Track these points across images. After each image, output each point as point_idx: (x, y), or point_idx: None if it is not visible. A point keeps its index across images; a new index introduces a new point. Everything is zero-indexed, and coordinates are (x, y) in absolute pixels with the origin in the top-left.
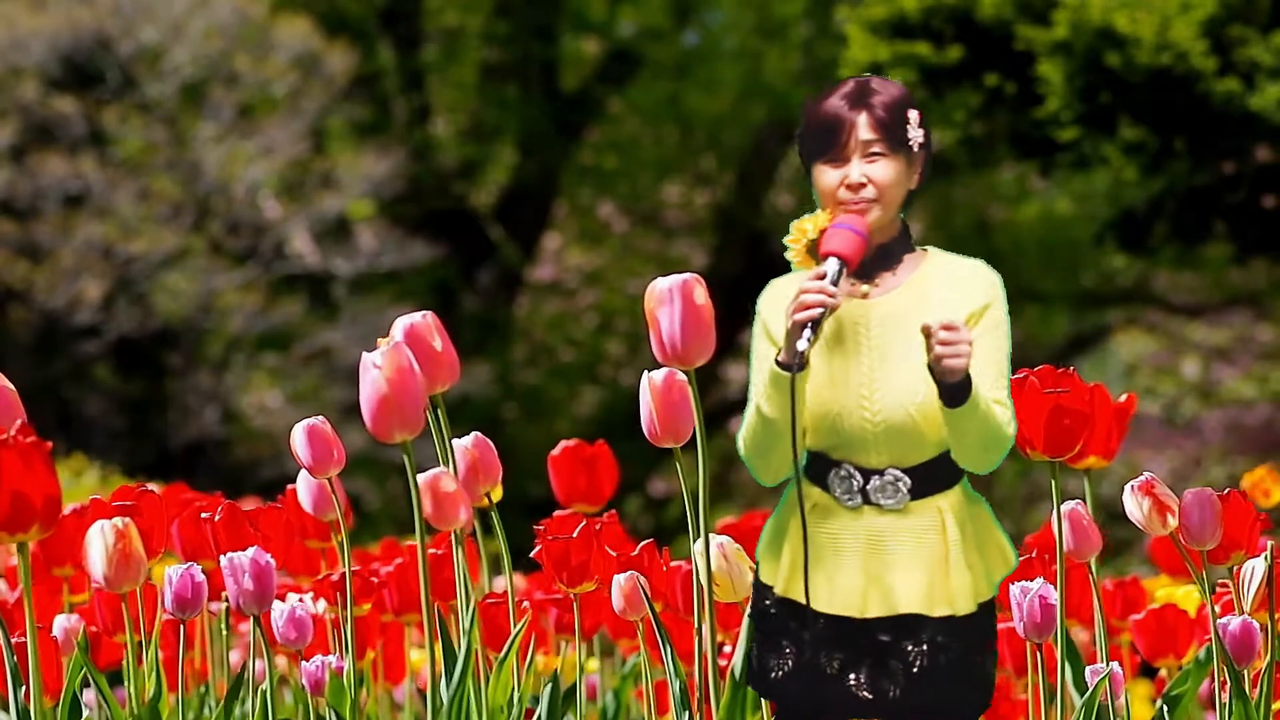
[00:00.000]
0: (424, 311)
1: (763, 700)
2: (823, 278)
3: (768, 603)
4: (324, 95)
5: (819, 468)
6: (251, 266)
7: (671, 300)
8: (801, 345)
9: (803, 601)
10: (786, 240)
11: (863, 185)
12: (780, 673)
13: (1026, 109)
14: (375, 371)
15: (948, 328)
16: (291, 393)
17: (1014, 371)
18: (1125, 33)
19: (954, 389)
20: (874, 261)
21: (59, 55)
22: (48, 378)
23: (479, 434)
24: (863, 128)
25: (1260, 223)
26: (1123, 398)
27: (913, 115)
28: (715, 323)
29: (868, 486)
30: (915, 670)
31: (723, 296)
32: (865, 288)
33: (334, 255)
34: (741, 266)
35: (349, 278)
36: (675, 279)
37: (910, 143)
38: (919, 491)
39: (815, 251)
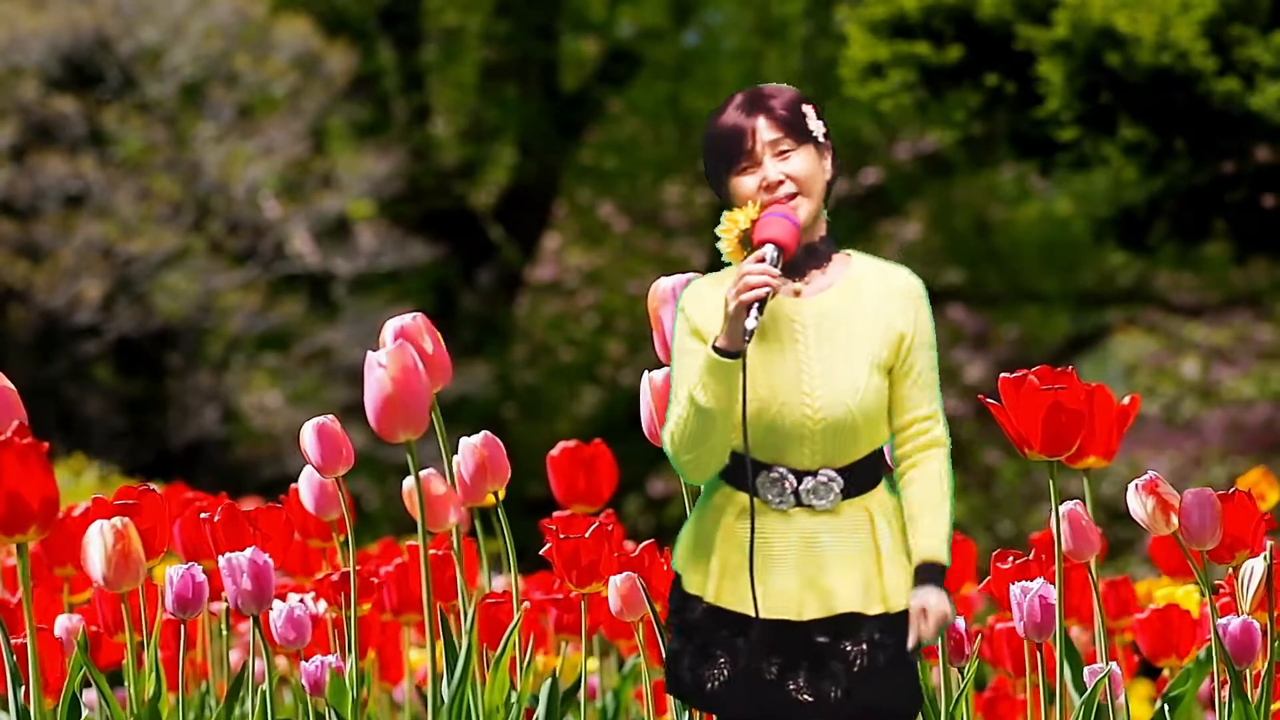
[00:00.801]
0: (414, 313)
1: None
2: (762, 260)
3: (696, 613)
4: (324, 95)
5: (742, 473)
6: (251, 266)
7: (675, 299)
8: (750, 324)
9: (736, 609)
10: (718, 231)
11: (780, 182)
12: (717, 683)
13: (1026, 109)
14: (380, 371)
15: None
16: (291, 393)
17: (1013, 371)
18: (1125, 32)
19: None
20: (804, 259)
21: (59, 55)
22: (47, 378)
23: (488, 433)
24: (764, 129)
25: (1260, 222)
26: (1126, 399)
27: (808, 109)
28: None
29: (800, 488)
30: (856, 670)
31: None
32: (797, 285)
33: (334, 255)
34: None
35: (349, 278)
36: (679, 278)
37: (814, 135)
38: (849, 491)
39: (748, 243)
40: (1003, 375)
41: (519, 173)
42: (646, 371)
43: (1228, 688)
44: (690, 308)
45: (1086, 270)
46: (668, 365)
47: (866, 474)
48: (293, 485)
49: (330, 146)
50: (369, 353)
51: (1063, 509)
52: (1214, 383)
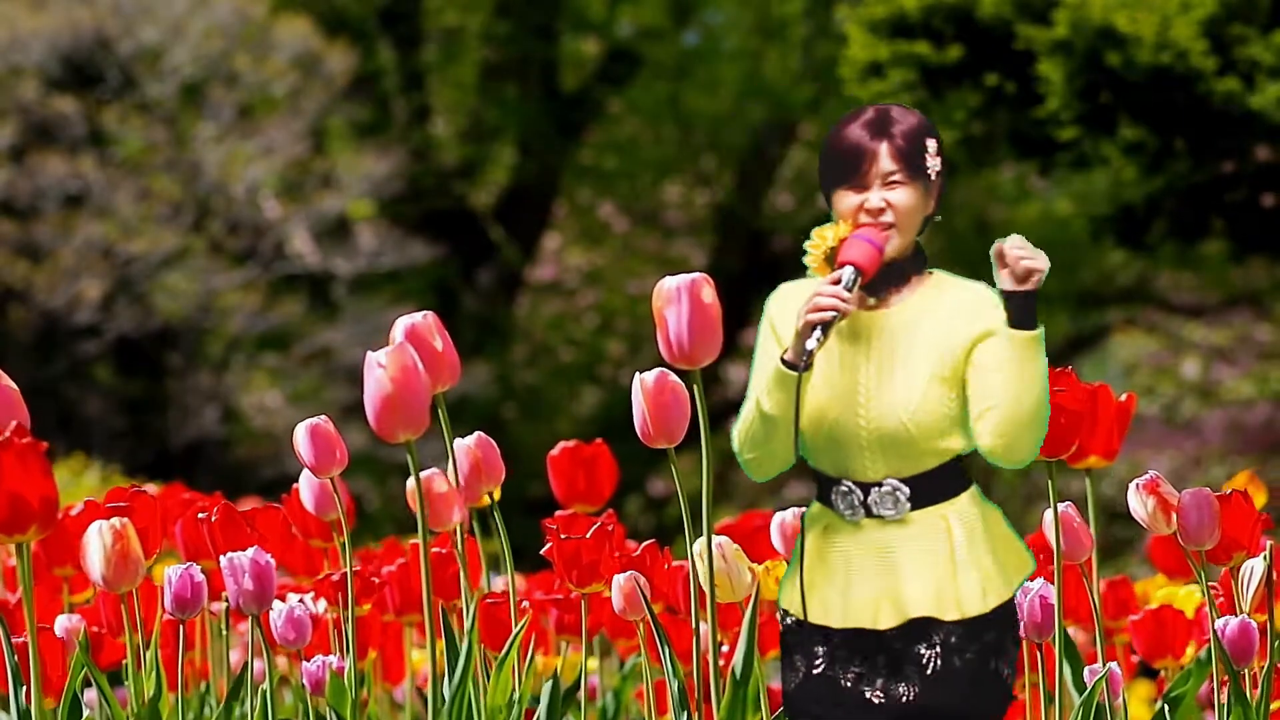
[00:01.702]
0: (425, 312)
1: (761, 700)
2: (838, 283)
3: (789, 622)
4: (324, 95)
5: (824, 488)
6: (251, 266)
7: (679, 299)
8: (810, 345)
9: (822, 623)
10: (806, 245)
11: (882, 210)
12: (792, 685)
13: (1026, 108)
14: (380, 371)
15: (1018, 245)
16: (291, 393)
17: None
18: (1125, 32)
19: (1026, 306)
20: (885, 278)
21: (59, 55)
22: (47, 377)
23: (482, 434)
24: (884, 158)
25: (1260, 222)
26: (1123, 397)
27: (930, 144)
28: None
29: (868, 500)
30: (929, 672)
31: (723, 296)
32: (873, 301)
33: (334, 255)
34: (741, 266)
35: (349, 278)
36: (683, 278)
37: (929, 171)
38: (919, 501)
39: (833, 260)
40: None
41: (519, 173)
42: (637, 374)
43: (1227, 688)
44: (774, 310)
45: (1086, 270)
46: (672, 365)
47: (940, 484)
48: (294, 485)
49: (330, 146)
50: (369, 353)
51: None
52: (1214, 383)
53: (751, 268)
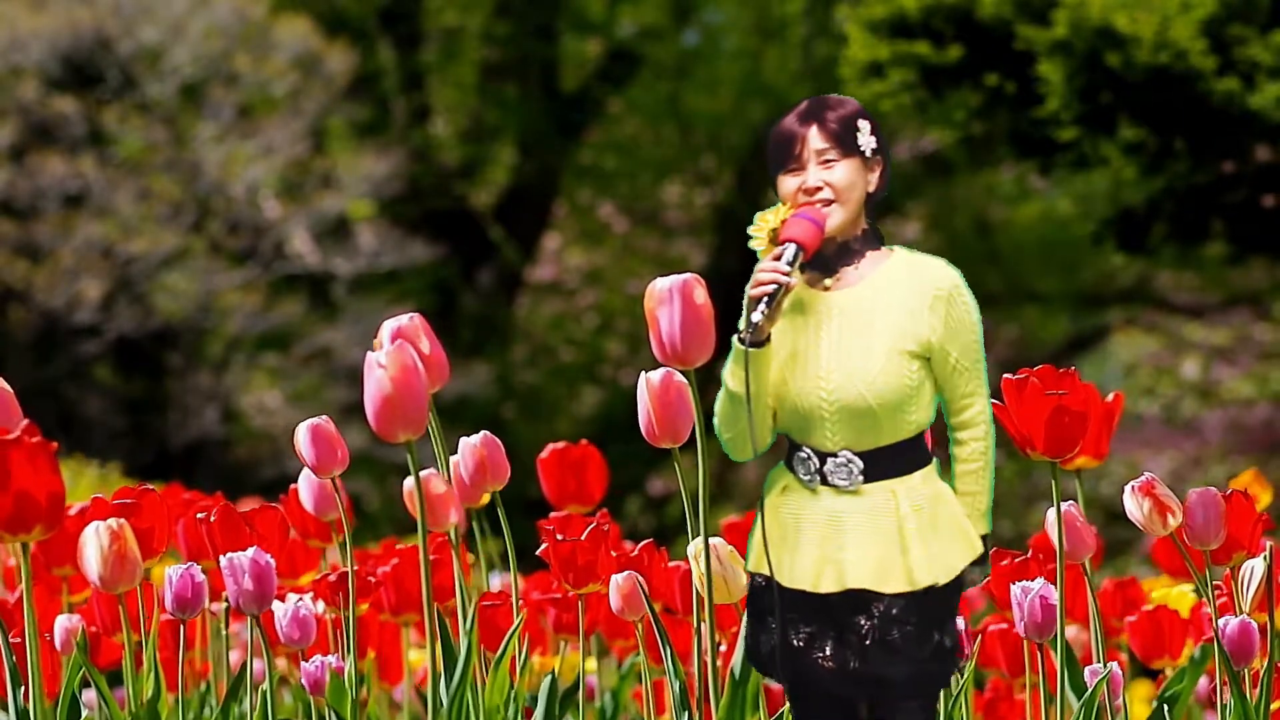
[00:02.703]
0: (411, 314)
1: (760, 701)
2: (779, 259)
3: (753, 584)
4: (324, 95)
5: (789, 452)
6: (251, 266)
7: (671, 300)
8: (756, 317)
9: (770, 576)
10: (750, 229)
11: (818, 189)
12: (769, 647)
13: (1026, 109)
14: (380, 371)
15: None
16: (291, 393)
17: (1013, 371)
18: (1125, 32)
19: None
20: (836, 256)
21: (59, 55)
22: (48, 378)
23: (488, 433)
24: (814, 138)
25: (1260, 222)
26: (1109, 396)
27: (863, 124)
28: (714, 322)
29: (824, 468)
30: (868, 643)
31: (722, 296)
32: (828, 280)
33: (334, 255)
34: (741, 266)
35: (349, 278)
36: (675, 279)
37: (862, 148)
38: (872, 474)
39: (777, 240)
40: (1005, 376)
41: (519, 173)
42: (643, 373)
43: (1227, 688)
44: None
45: (1086, 270)
46: (665, 365)
47: (894, 460)
48: (293, 485)
49: (330, 146)
50: (369, 353)
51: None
52: (1214, 383)
53: (751, 268)
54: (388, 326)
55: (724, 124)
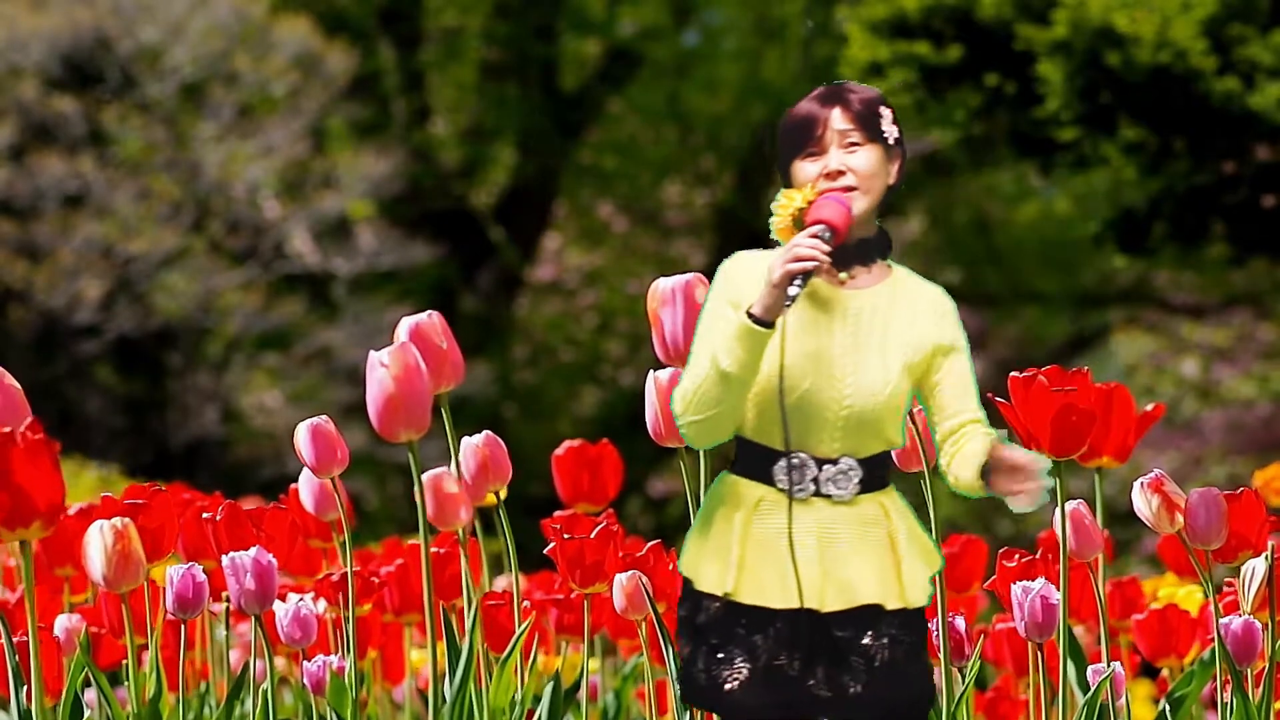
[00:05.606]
0: (429, 311)
1: None
2: (815, 237)
3: (710, 613)
4: (324, 95)
5: (760, 461)
6: (251, 266)
7: (674, 300)
8: (793, 292)
9: (756, 604)
10: (773, 207)
11: (841, 173)
12: (735, 683)
13: (1026, 109)
14: (382, 370)
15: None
16: (291, 393)
17: (1013, 371)
18: (1125, 32)
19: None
20: (855, 253)
21: (59, 55)
22: (48, 377)
23: (490, 433)
24: (837, 119)
25: (1260, 223)
26: (1150, 407)
27: (885, 112)
28: None
29: (820, 475)
30: (876, 664)
31: None
32: (843, 276)
33: (334, 255)
34: None
35: (349, 278)
36: (678, 279)
37: (885, 135)
38: (867, 484)
39: (800, 224)
40: (1012, 375)
41: (519, 173)
42: (652, 371)
43: (1230, 687)
44: (732, 272)
45: (1086, 270)
46: (667, 365)
47: (881, 471)
48: (293, 485)
49: (330, 146)
50: (371, 352)
51: (1065, 509)
52: (1214, 382)
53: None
54: (405, 323)
55: (724, 124)
